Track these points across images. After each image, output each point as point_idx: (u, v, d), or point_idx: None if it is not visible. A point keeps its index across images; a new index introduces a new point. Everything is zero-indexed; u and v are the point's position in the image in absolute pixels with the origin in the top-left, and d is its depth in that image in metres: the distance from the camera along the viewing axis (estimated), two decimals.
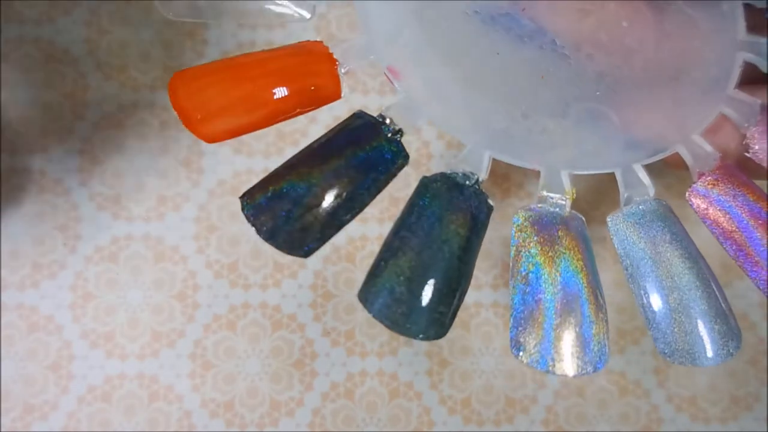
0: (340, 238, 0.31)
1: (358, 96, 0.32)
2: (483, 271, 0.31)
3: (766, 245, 0.20)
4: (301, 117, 0.32)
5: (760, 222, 0.20)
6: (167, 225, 0.31)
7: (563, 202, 0.20)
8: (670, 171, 0.24)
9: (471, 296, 0.32)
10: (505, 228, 0.31)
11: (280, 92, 0.20)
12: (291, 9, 0.21)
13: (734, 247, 0.20)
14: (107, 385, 0.30)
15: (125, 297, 0.30)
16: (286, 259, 0.31)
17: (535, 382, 0.31)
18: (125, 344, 0.30)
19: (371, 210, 0.31)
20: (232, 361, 0.30)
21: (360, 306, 0.31)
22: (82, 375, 0.30)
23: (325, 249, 0.31)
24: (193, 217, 0.31)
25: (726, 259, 0.29)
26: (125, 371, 0.30)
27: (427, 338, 0.19)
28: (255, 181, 0.31)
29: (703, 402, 0.31)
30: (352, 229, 0.31)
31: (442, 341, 0.31)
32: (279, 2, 0.21)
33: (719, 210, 0.20)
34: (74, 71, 0.31)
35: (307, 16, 0.21)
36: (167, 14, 0.21)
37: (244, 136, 0.31)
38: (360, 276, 0.31)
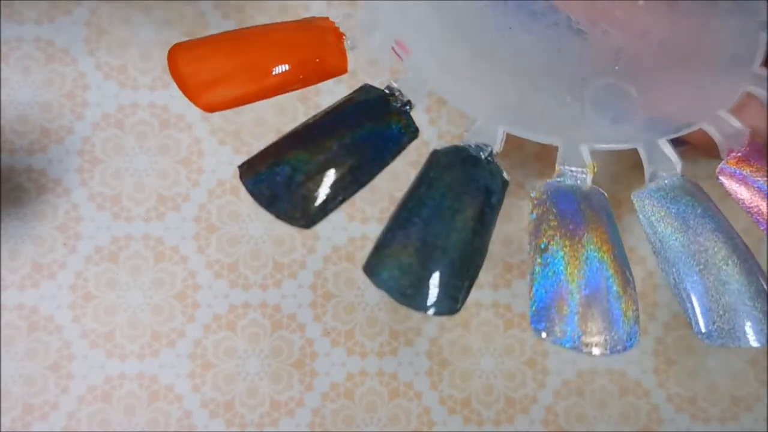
0: (340, 238, 0.31)
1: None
2: (483, 271, 0.31)
3: None
4: (301, 115, 0.32)
5: None
6: (167, 225, 0.31)
7: (584, 176, 0.20)
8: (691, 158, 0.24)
9: (471, 296, 0.31)
10: (507, 226, 0.31)
11: (283, 62, 0.19)
12: None
13: (766, 225, 0.19)
14: (107, 385, 0.30)
15: (125, 297, 0.30)
16: (286, 259, 0.31)
17: (535, 382, 0.31)
18: (125, 344, 0.30)
19: (371, 210, 0.31)
20: (232, 361, 0.30)
21: (360, 306, 0.31)
22: (82, 375, 0.30)
23: (325, 249, 0.31)
24: (193, 217, 0.31)
25: None
26: (125, 371, 0.30)
27: (437, 312, 0.18)
28: None
29: (703, 402, 0.31)
30: (352, 229, 0.31)
31: (442, 341, 0.31)
32: None
33: (751, 188, 0.19)
34: (74, 71, 0.31)
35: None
36: None
37: (244, 135, 0.31)
38: (360, 275, 0.31)
